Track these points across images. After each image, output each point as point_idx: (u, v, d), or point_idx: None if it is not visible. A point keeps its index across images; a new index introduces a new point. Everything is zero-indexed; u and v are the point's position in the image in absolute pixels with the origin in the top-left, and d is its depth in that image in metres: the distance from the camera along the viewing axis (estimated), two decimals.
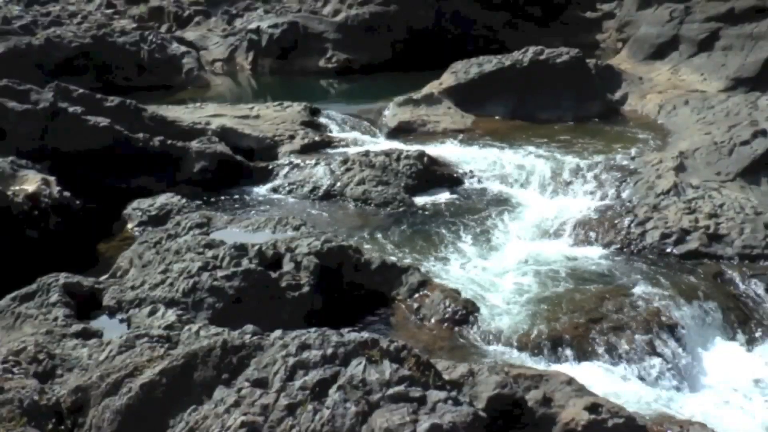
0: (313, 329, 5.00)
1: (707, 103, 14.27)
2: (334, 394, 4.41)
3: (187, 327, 6.14)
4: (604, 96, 16.26)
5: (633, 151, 12.57)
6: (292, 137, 13.88)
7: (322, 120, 15.53)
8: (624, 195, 10.80)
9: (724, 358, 7.40)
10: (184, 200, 10.47)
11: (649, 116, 15.37)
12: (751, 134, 11.51)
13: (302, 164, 12.41)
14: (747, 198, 10.15)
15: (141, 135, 12.03)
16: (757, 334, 7.74)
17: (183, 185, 11.72)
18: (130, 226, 10.17)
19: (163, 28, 28.62)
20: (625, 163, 11.68)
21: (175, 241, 8.16)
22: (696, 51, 18.47)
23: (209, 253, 7.63)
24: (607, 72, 17.08)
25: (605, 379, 6.62)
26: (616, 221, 9.70)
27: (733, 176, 10.91)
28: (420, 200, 11.23)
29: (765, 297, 8.33)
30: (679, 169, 11.07)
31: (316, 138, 13.97)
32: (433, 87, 16.53)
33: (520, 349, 6.97)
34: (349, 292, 7.84)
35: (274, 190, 11.99)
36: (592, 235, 9.55)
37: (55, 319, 6.57)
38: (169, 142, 12.21)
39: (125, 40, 23.12)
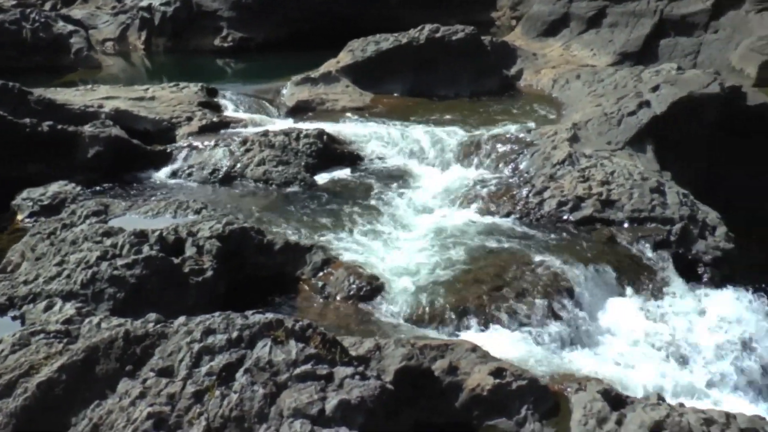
0: (217, 313, 4.96)
1: (597, 77, 14.85)
2: (241, 378, 4.40)
3: (87, 320, 5.94)
4: (500, 72, 16.66)
5: (529, 124, 12.94)
6: (189, 119, 13.55)
7: (220, 100, 15.21)
8: (521, 166, 11.13)
9: (618, 316, 7.79)
10: (78, 188, 10.07)
11: (544, 90, 15.85)
12: (637, 105, 12.08)
13: (201, 146, 12.16)
14: (635, 165, 10.65)
15: (27, 120, 11.43)
16: (647, 292, 8.18)
17: (77, 172, 11.25)
18: (20, 217, 9.71)
19: (47, 6, 27.18)
20: (521, 135, 12.02)
21: (70, 231, 7.87)
22: (585, 28, 19.23)
23: (108, 242, 7.40)
24: (502, 49, 17.48)
25: (509, 345, 6.85)
26: (514, 192, 10.01)
27: (622, 145, 11.42)
28: (321, 178, 11.24)
29: (652, 256, 8.82)
30: (573, 139, 11.48)
31: (215, 119, 13.68)
32: (330, 65, 16.47)
33: (426, 320, 7.12)
34: (253, 274, 7.79)
35: (174, 173, 11.71)
36: (492, 206, 9.82)
37: None
38: (59, 126, 11.65)
39: (3, 18, 21.85)
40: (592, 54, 18.17)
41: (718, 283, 8.78)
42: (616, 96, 12.79)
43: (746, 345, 7.73)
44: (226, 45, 23.84)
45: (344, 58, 16.61)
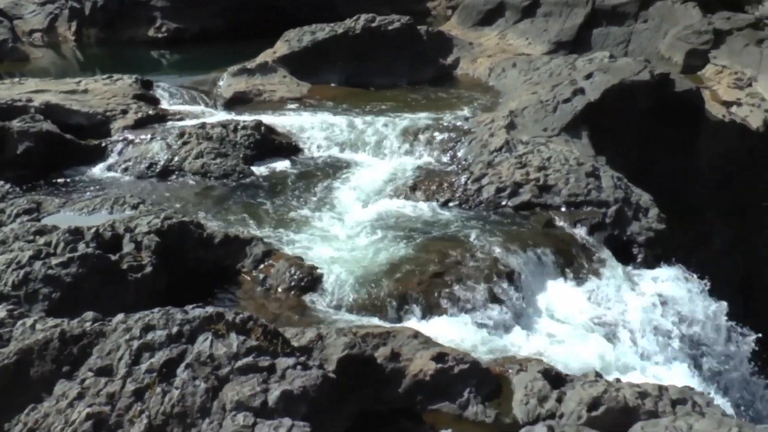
0: (156, 309, 4.90)
1: (533, 65, 15.10)
2: (182, 373, 4.36)
3: (20, 322, 5.78)
4: (436, 61, 16.78)
5: (466, 112, 13.09)
6: (124, 112, 13.24)
7: (156, 93, 14.91)
8: (459, 154, 11.25)
9: (557, 298, 8.00)
10: (8, 185, 9.72)
11: (480, 79, 16.05)
12: (572, 92, 12.36)
13: (137, 140, 11.91)
14: (570, 150, 10.88)
15: None
16: (584, 273, 8.41)
17: (5, 169, 10.88)
18: None
19: None
20: (459, 123, 12.15)
21: (0, 231, 7.64)
22: (520, 17, 19.53)
23: (41, 240, 7.20)
24: (438, 38, 17.60)
25: (451, 330, 6.95)
26: (453, 179, 10.13)
27: (558, 131, 11.66)
28: (260, 170, 11.15)
29: (589, 238, 9.05)
30: (510, 127, 11.66)
31: (150, 112, 13.40)
32: (267, 56, 16.31)
33: (368, 309, 7.16)
34: (193, 269, 7.69)
35: (109, 168, 11.44)
36: (431, 193, 9.91)
37: None
38: None
39: None
40: (527, 43, 18.47)
41: (651, 262, 9.07)
42: (552, 84, 13.03)
43: (679, 321, 8.03)
44: (160, 36, 23.31)
45: (280, 48, 16.47)
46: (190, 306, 4.95)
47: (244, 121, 12.17)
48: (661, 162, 12.80)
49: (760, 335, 8.60)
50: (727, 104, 15.03)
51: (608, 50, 16.11)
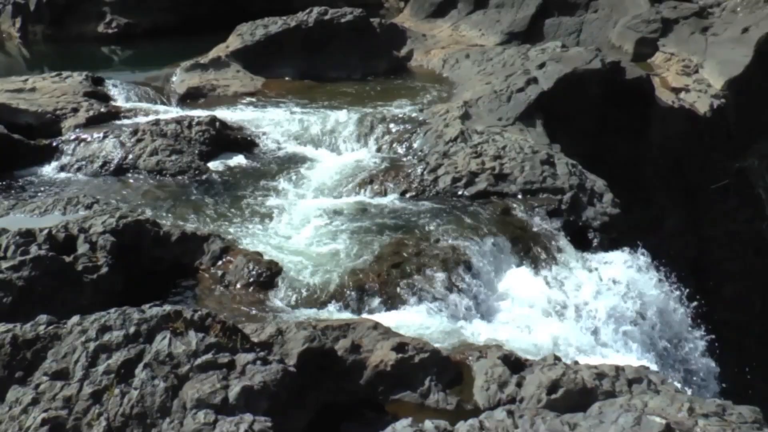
0: (113, 310, 4.84)
1: (486, 56, 15.23)
2: (140, 373, 4.32)
3: None
4: (390, 53, 16.79)
5: (421, 104, 13.14)
6: (75, 110, 12.95)
7: (108, 90, 14.62)
8: (415, 145, 11.29)
9: (516, 284, 8.10)
10: None
11: (435, 70, 16.13)
12: (525, 82, 12.52)
13: (90, 139, 11.68)
14: (525, 139, 11.02)
15: None
16: (541, 259, 8.54)
17: None
18: None
19: None
20: (414, 115, 12.20)
21: None
22: (473, 8, 19.67)
23: None
24: (391, 30, 17.63)
25: (411, 320, 7.01)
26: (409, 170, 10.17)
27: (513, 120, 11.80)
28: (216, 166, 11.03)
29: (545, 225, 9.17)
30: (465, 117, 11.76)
31: (102, 109, 13.12)
32: (219, 50, 16.14)
33: (328, 303, 7.18)
34: (151, 268, 7.60)
35: (62, 168, 11.19)
36: (388, 185, 9.94)
37: None
38: None
39: None
40: (480, 34, 18.60)
41: (606, 246, 9.25)
42: (505, 74, 13.16)
43: (634, 303, 8.21)
44: (110, 31, 22.87)
45: (233, 42, 16.31)
46: (148, 305, 4.90)
47: (198, 117, 12.02)
48: (614, 148, 13.04)
49: (705, 309, 8.87)
50: (676, 90, 15.38)
51: (560, 40, 16.35)
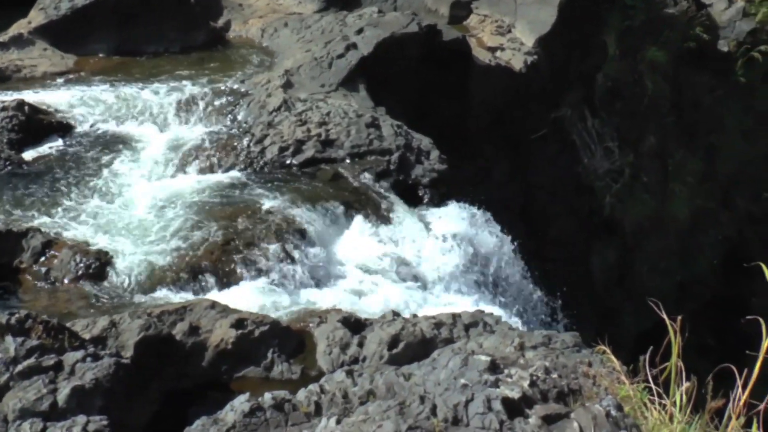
0: None
1: (304, 24, 15.13)
2: None
3: None
4: (207, 25, 16.20)
5: (242, 75, 12.89)
6: None
7: None
8: (240, 117, 11.08)
9: (351, 248, 8.24)
10: None
11: (254, 40, 15.82)
12: (345, 48, 12.55)
13: None
14: (349, 104, 11.12)
15: None
16: (375, 220, 8.71)
17: None
18: None
19: None
20: (235, 86, 11.96)
21: None
22: None
23: None
24: (207, 1, 17.02)
25: (250, 295, 6.97)
26: (235, 143, 9.99)
27: (336, 86, 11.83)
28: (29, 155, 10.23)
29: (376, 186, 9.37)
30: (287, 86, 11.67)
31: None
32: (21, 27, 14.85)
33: (163, 287, 6.97)
34: None
35: None
36: (215, 160, 9.71)
37: None
38: None
39: None
40: (297, 2, 18.38)
41: (437, 201, 9.60)
42: (324, 41, 13.16)
43: (468, 251, 8.63)
44: None
45: (36, 17, 15.06)
46: None
47: (3, 102, 11.10)
48: (438, 107, 13.47)
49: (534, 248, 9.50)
50: (492, 50, 16.07)
51: (377, 6, 16.51)
